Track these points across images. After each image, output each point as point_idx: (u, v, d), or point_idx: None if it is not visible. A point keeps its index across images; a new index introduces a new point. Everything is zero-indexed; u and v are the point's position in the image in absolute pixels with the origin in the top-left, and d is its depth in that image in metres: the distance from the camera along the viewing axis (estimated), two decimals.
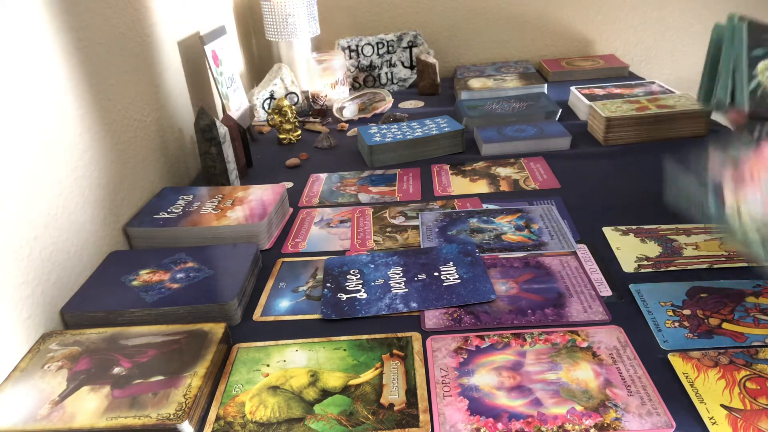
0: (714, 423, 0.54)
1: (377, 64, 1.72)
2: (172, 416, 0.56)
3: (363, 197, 1.06)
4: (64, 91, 0.78)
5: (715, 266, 0.78)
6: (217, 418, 0.59)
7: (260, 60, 1.85)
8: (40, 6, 0.74)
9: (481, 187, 1.07)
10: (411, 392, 0.60)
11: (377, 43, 1.70)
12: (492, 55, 1.89)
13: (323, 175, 1.17)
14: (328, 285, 0.79)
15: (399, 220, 0.97)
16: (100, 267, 0.82)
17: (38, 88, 0.73)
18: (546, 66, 1.76)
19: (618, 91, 1.40)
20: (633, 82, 1.47)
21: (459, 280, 0.78)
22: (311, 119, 1.50)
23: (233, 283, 0.76)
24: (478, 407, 0.58)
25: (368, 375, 0.63)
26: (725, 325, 0.67)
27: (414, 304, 0.74)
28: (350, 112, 1.51)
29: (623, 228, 0.89)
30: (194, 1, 1.29)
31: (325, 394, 0.61)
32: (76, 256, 0.78)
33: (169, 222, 0.91)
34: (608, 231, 0.88)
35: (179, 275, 0.79)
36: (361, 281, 0.79)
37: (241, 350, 0.68)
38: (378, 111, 1.48)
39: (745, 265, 0.77)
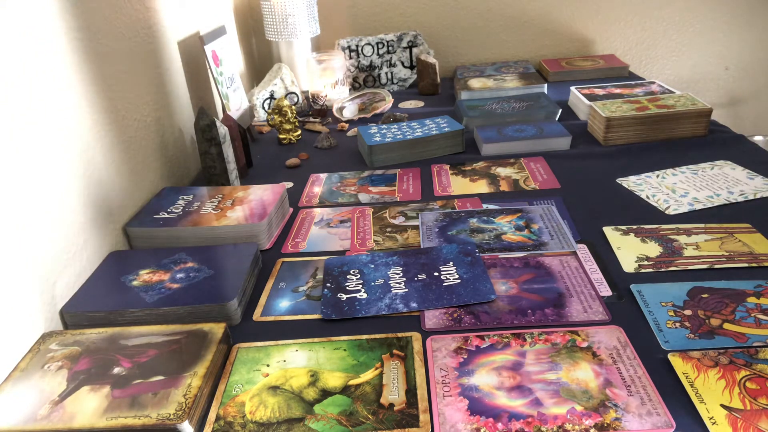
0: (714, 423, 0.54)
1: (377, 64, 1.72)
2: (172, 416, 0.56)
3: (363, 197, 1.06)
4: (63, 91, 0.78)
5: (716, 266, 0.78)
6: (217, 418, 0.59)
7: (260, 60, 1.85)
8: (39, 6, 0.74)
9: (481, 187, 1.07)
10: (411, 392, 0.60)
11: (377, 43, 1.70)
12: (492, 55, 1.89)
13: (323, 175, 1.17)
14: (328, 285, 0.79)
15: (399, 220, 0.97)
16: (100, 267, 0.82)
17: (37, 88, 0.73)
18: (546, 66, 1.76)
19: (618, 91, 1.40)
20: (633, 82, 1.47)
21: (459, 280, 0.78)
22: (311, 119, 1.50)
23: (233, 283, 0.76)
24: (478, 407, 0.58)
25: (368, 375, 0.63)
26: (726, 326, 0.67)
27: (414, 304, 0.74)
28: (350, 112, 1.51)
29: (623, 228, 0.89)
30: (194, 1, 1.29)
31: (325, 394, 0.61)
32: (76, 256, 0.78)
33: (169, 222, 0.91)
34: (608, 231, 0.88)
35: (179, 275, 0.79)
36: (361, 281, 0.79)
37: (241, 350, 0.68)
38: (378, 111, 1.48)
39: (746, 265, 0.77)
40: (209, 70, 1.24)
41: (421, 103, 1.59)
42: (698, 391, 0.58)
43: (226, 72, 1.28)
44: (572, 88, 1.45)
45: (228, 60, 1.32)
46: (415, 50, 1.72)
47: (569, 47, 1.88)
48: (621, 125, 1.19)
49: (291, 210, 1.03)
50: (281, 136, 1.36)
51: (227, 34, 1.35)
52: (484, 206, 0.99)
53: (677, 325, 0.67)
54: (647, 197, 0.98)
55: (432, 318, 0.72)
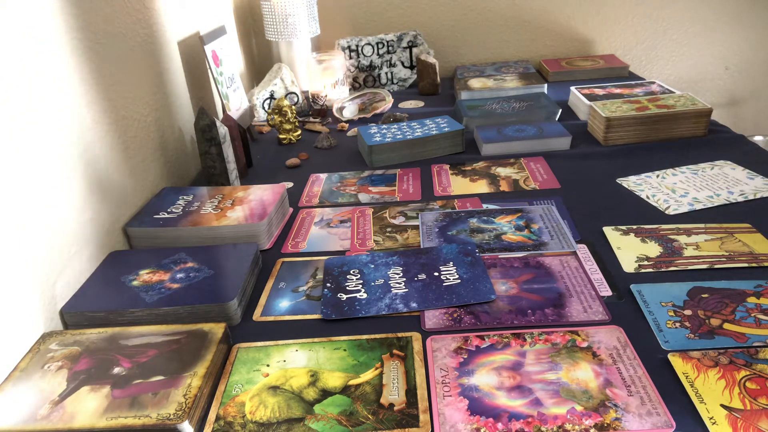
0: (714, 423, 0.54)
1: (377, 64, 1.72)
2: (172, 416, 0.56)
3: (363, 197, 1.06)
4: (63, 91, 0.78)
5: (716, 266, 0.78)
6: (217, 418, 0.59)
7: (260, 60, 1.85)
8: (39, 6, 0.74)
9: (481, 187, 1.07)
10: (411, 392, 0.60)
11: (377, 43, 1.69)
12: (492, 55, 1.89)
13: (323, 175, 1.17)
14: (328, 285, 0.79)
15: (399, 220, 0.97)
16: (100, 267, 0.82)
17: (37, 89, 0.73)
18: (546, 66, 1.76)
19: (618, 91, 1.40)
20: (633, 82, 1.47)
21: (459, 280, 0.78)
22: (311, 119, 1.50)
23: (233, 283, 0.76)
24: (478, 407, 0.58)
25: (368, 375, 0.63)
26: (726, 326, 0.67)
27: (414, 304, 0.74)
28: (350, 112, 1.51)
29: (623, 228, 0.89)
30: (194, 1, 1.29)
31: (325, 394, 0.61)
32: (76, 256, 0.78)
33: (169, 222, 0.91)
34: (608, 231, 0.88)
35: (179, 275, 0.79)
36: (361, 281, 0.79)
37: (241, 350, 0.68)
38: (378, 111, 1.48)
39: (746, 265, 0.77)
40: (209, 70, 1.24)
41: (421, 103, 1.59)
42: (698, 391, 0.58)
43: (226, 72, 1.28)
44: (572, 88, 1.45)
45: (228, 60, 1.32)
46: (415, 50, 1.72)
47: (569, 47, 1.88)
48: (621, 125, 1.19)
49: (291, 210, 1.03)
50: (281, 136, 1.36)
51: (227, 34, 1.35)
52: (484, 206, 0.99)
53: (677, 325, 0.67)
54: (647, 197, 0.98)
55: (432, 318, 0.72)
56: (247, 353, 0.68)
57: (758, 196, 0.95)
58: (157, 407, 0.57)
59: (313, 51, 1.63)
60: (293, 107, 1.37)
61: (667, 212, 0.92)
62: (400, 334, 0.69)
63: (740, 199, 0.94)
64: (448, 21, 1.83)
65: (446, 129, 1.22)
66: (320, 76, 1.54)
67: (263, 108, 1.49)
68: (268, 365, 0.66)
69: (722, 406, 0.56)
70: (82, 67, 0.83)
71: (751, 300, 0.70)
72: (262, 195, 0.97)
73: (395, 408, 0.58)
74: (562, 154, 1.18)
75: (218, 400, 0.61)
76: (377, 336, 0.69)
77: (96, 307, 0.73)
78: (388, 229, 0.94)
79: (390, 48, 1.71)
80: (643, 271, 0.78)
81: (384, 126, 1.28)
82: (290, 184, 1.14)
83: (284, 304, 0.77)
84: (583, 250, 0.84)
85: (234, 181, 1.09)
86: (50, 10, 0.76)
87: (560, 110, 1.35)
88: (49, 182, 0.73)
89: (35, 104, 0.72)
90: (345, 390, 0.61)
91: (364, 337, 0.69)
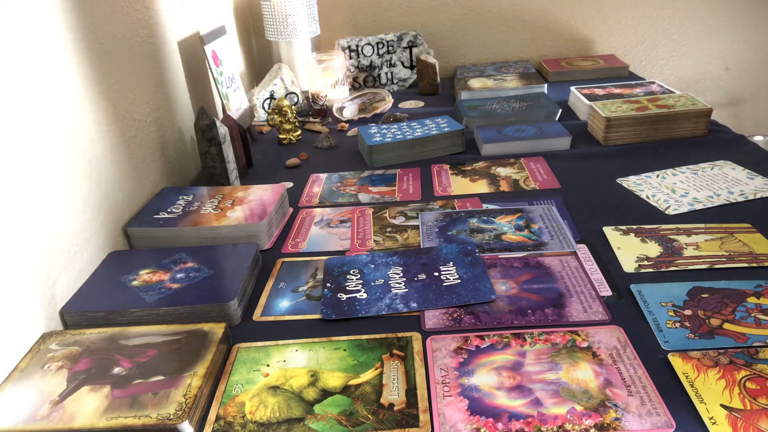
0: (714, 423, 0.54)
1: (377, 64, 1.72)
2: (172, 416, 0.56)
3: (363, 197, 1.06)
4: (63, 91, 0.78)
5: (716, 266, 0.78)
6: (217, 418, 0.59)
7: (260, 60, 1.85)
8: (39, 6, 0.74)
9: (481, 187, 1.07)
10: (411, 392, 0.60)
11: (377, 43, 1.69)
12: (492, 55, 1.89)
13: (323, 175, 1.17)
14: (328, 285, 0.79)
15: (399, 220, 0.97)
16: (100, 267, 0.82)
17: (37, 88, 0.73)
18: (546, 66, 1.76)
19: (618, 91, 1.40)
20: (633, 82, 1.47)
21: (459, 280, 0.78)
22: (311, 119, 1.50)
23: (233, 283, 0.76)
24: (478, 407, 0.58)
25: (368, 375, 0.63)
26: (726, 326, 0.67)
27: (414, 304, 0.74)
28: (350, 112, 1.51)
29: (623, 228, 0.89)
30: (194, 1, 1.29)
31: (325, 394, 0.61)
32: (76, 256, 0.78)
33: (169, 222, 0.91)
34: (608, 231, 0.88)
35: (179, 275, 0.79)
36: (361, 281, 0.79)
37: (241, 350, 0.68)
38: (378, 111, 1.48)
39: (746, 265, 0.77)
40: (209, 70, 1.24)
41: (421, 103, 1.59)
42: (698, 391, 0.58)
43: (226, 72, 1.28)
44: (572, 88, 1.45)
45: (228, 60, 1.32)
46: (415, 50, 1.72)
47: (569, 47, 1.88)
48: (621, 125, 1.19)
49: (291, 210, 1.03)
50: (281, 136, 1.36)
51: (227, 34, 1.35)
52: (484, 206, 0.99)
53: (677, 325, 0.67)
54: (647, 197, 0.98)
55: (432, 318, 0.72)
56: (247, 353, 0.68)
57: (758, 196, 0.95)
58: (157, 407, 0.57)
59: (313, 51, 1.63)
60: (293, 107, 1.37)
61: (667, 212, 0.92)
62: (400, 334, 0.69)
63: (740, 199, 0.94)
64: (448, 21, 1.83)
65: (446, 129, 1.22)
66: (320, 76, 1.54)
67: (263, 108, 1.49)
68: (268, 365, 0.66)
69: (722, 406, 0.56)
70: (83, 67, 0.83)
71: (751, 300, 0.70)
72: (262, 195, 0.97)
73: (395, 408, 0.58)
74: (562, 154, 1.18)
75: (218, 400, 0.61)
76: (377, 336, 0.69)
77: (96, 307, 0.73)
78: (388, 229, 0.94)
79: (390, 48, 1.71)
80: (643, 271, 0.78)
81: (384, 126, 1.28)
82: (290, 184, 1.14)
83: (284, 304, 0.77)
84: (583, 250, 0.84)
85: (234, 181, 1.09)
86: (50, 10, 0.76)
87: (560, 110, 1.35)
88: (49, 182, 0.73)
89: (35, 104, 0.72)
90: (345, 390, 0.61)
91: (364, 337, 0.69)
